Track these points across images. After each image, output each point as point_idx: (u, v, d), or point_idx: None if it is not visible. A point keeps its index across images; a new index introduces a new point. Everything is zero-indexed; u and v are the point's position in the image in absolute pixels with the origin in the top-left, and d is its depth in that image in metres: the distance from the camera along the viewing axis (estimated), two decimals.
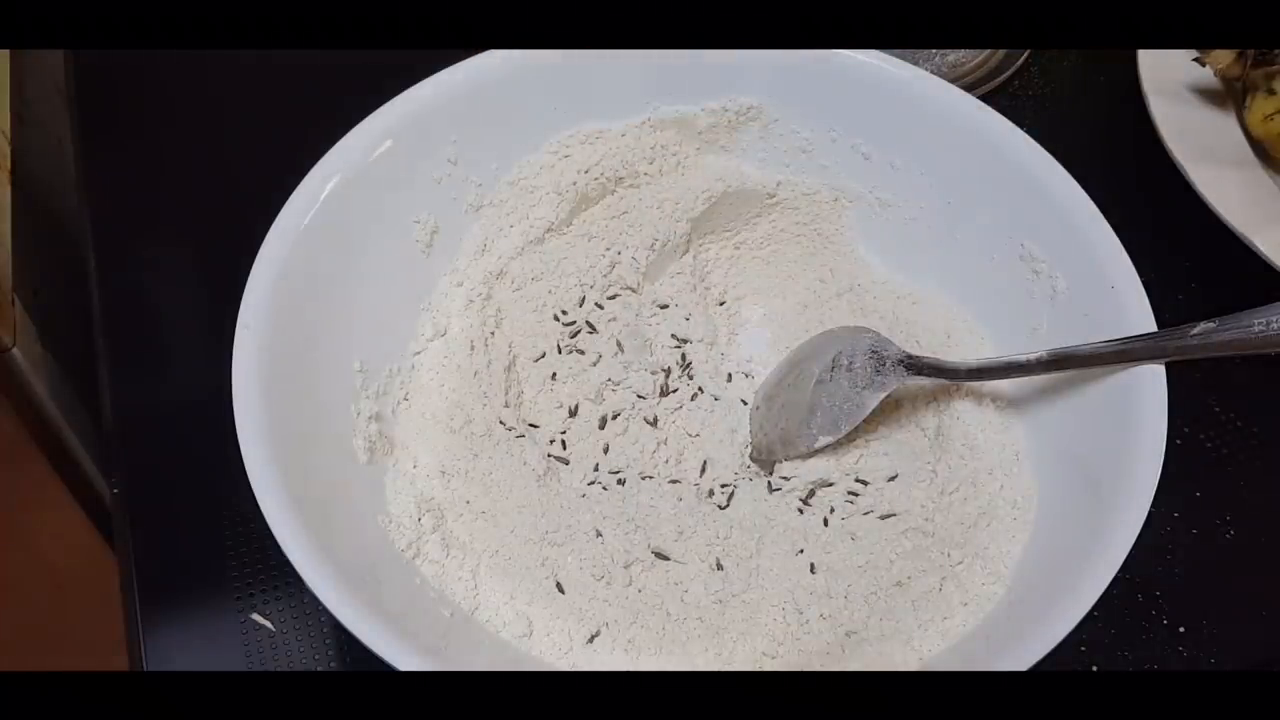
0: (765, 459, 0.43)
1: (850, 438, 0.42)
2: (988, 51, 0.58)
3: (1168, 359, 0.36)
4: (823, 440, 0.41)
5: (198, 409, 0.45)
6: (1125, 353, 0.36)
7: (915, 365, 0.41)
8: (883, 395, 0.41)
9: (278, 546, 0.32)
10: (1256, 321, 0.35)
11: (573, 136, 0.46)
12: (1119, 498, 0.34)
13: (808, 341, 0.44)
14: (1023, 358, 0.39)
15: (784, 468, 0.42)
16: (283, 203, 0.40)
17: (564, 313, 0.45)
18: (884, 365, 0.41)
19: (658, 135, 0.46)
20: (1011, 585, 0.37)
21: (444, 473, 0.41)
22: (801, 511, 0.41)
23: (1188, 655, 0.41)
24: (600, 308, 0.45)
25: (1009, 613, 0.36)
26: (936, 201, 0.44)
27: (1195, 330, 0.35)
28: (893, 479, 0.41)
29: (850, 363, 0.41)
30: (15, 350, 0.55)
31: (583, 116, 0.46)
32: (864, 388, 0.41)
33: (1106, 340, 0.37)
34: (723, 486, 0.42)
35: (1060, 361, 0.38)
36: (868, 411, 0.41)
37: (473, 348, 0.44)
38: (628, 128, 0.46)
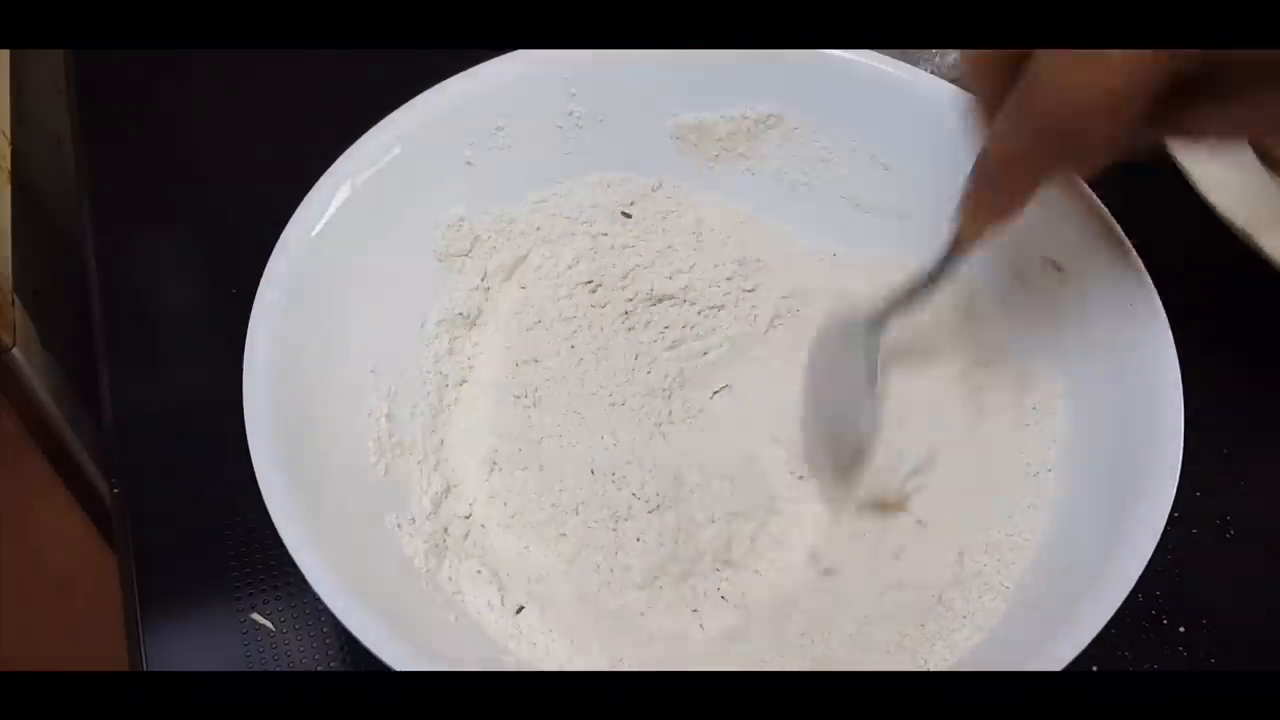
0: (844, 476, 0.42)
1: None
2: None
3: None
4: (866, 424, 0.40)
5: (198, 409, 0.45)
6: None
7: (877, 314, 0.40)
8: (874, 355, 0.40)
9: (278, 546, 0.32)
10: None
11: None
12: (1138, 506, 0.35)
13: (807, 365, 0.44)
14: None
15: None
16: (285, 202, 0.39)
17: (568, 319, 0.45)
18: (855, 330, 0.41)
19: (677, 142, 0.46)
20: (1016, 596, 0.36)
21: (453, 478, 0.41)
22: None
23: (1188, 655, 0.41)
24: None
25: (1024, 616, 0.36)
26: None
27: None
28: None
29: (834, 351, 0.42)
30: (15, 350, 0.55)
31: (600, 123, 0.45)
32: (858, 361, 0.40)
33: None
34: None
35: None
36: (876, 377, 0.40)
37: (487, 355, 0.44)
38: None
